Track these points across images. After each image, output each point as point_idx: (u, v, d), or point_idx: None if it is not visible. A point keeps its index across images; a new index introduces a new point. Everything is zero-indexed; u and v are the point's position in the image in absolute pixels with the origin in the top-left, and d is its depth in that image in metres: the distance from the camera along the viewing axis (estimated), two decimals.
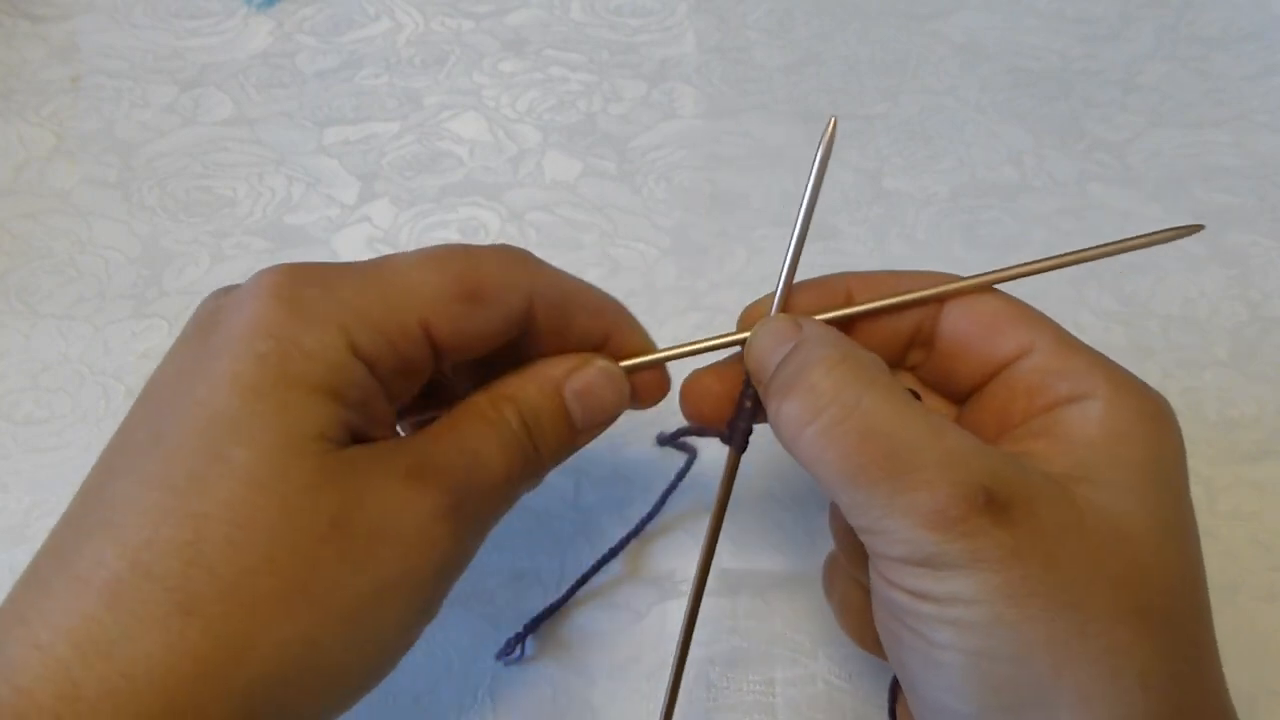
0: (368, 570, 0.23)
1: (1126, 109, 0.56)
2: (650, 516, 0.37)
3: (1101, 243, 0.28)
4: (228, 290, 0.26)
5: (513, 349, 0.29)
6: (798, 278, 0.29)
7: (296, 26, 0.61)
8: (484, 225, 0.50)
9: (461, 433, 0.27)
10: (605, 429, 0.30)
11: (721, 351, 0.30)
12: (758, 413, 0.28)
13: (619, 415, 0.30)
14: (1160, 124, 0.55)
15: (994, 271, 0.28)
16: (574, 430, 0.29)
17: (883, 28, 0.61)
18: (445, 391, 0.30)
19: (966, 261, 0.47)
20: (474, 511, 0.26)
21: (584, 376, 0.29)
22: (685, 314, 0.45)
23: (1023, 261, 0.28)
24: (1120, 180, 0.52)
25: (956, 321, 0.28)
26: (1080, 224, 0.49)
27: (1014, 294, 0.28)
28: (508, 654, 0.34)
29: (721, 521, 0.29)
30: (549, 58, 0.59)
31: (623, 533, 0.36)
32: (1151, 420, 0.25)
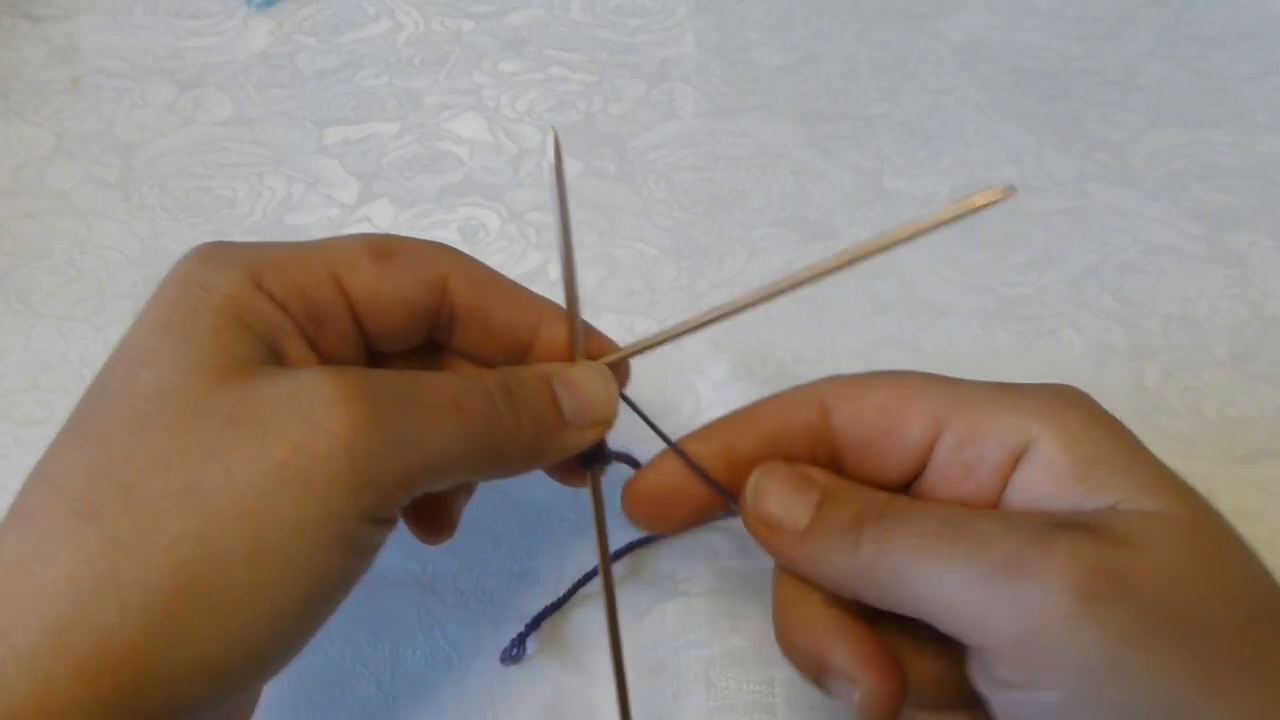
0: (262, 460, 0.22)
1: (1126, 109, 0.56)
2: None
3: (913, 221, 0.25)
4: None
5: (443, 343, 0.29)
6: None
7: (296, 26, 0.61)
8: (484, 225, 0.50)
9: (419, 373, 0.26)
10: (602, 430, 0.30)
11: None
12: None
13: (612, 415, 0.30)
14: (1160, 124, 0.55)
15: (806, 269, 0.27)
16: (563, 418, 0.28)
17: (883, 28, 0.61)
18: None
19: (966, 261, 0.47)
20: (401, 426, 0.24)
21: (572, 370, 0.29)
22: (685, 314, 0.45)
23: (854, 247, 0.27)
24: (1120, 180, 0.52)
25: (848, 431, 0.27)
26: (1080, 224, 0.49)
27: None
28: (508, 654, 0.34)
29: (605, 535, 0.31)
30: (549, 58, 0.59)
31: (623, 533, 0.36)
32: (1089, 414, 0.25)
